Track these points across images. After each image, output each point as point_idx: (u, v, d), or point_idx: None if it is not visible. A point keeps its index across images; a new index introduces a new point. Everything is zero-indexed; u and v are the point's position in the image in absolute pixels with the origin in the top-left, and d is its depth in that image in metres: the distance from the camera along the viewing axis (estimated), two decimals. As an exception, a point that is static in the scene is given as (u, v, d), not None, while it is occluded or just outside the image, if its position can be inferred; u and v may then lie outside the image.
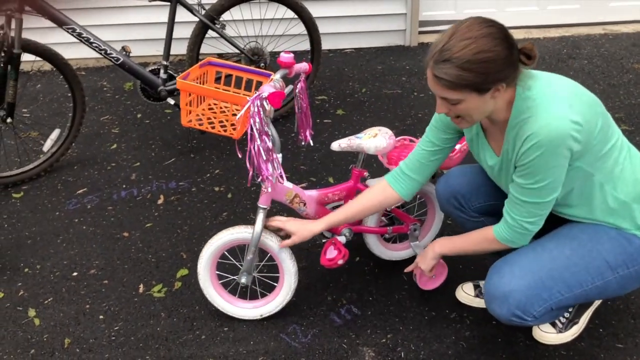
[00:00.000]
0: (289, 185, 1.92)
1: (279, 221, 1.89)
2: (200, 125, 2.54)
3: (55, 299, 2.15)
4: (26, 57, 2.64)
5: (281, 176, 1.74)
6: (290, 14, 3.15)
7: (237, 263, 2.11)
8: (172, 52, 2.99)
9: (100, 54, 2.80)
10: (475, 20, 1.42)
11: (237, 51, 3.09)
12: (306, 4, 3.15)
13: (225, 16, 3.03)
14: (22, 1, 2.54)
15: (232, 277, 2.04)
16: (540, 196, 1.50)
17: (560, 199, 1.60)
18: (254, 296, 2.06)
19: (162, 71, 2.96)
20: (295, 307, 2.06)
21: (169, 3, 2.92)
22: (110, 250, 2.40)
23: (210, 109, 2.62)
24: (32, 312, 2.09)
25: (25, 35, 2.60)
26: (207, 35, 3.02)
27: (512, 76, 1.45)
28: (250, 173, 1.69)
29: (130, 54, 2.89)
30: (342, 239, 1.99)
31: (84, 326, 2.02)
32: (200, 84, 2.59)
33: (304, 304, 2.07)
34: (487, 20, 1.42)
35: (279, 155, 1.79)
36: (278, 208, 2.55)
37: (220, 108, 2.60)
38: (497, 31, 1.40)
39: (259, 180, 1.72)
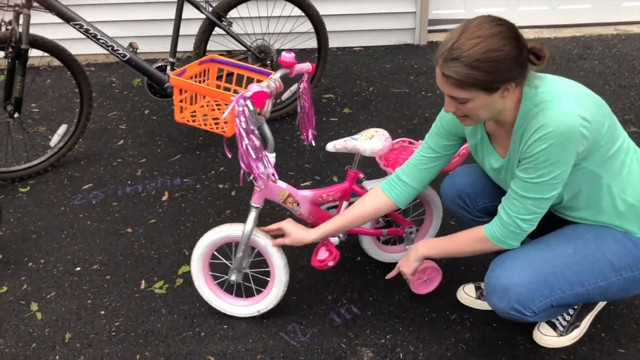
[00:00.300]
0: (282, 185, 1.92)
1: (276, 223, 1.89)
2: (193, 121, 2.54)
3: (57, 294, 2.16)
4: (34, 52, 2.67)
5: (273, 175, 1.73)
6: (297, 11, 3.15)
7: (227, 261, 2.11)
8: (178, 49, 3.00)
9: (107, 50, 2.81)
10: (485, 19, 1.41)
11: (244, 49, 3.09)
12: (315, 3, 3.14)
13: (232, 13, 3.03)
14: (30, -3, 2.57)
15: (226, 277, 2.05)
16: (541, 192, 1.49)
17: (567, 202, 1.58)
18: (252, 294, 2.07)
19: (168, 68, 2.97)
20: (295, 306, 2.06)
21: (176, 0, 2.93)
22: (113, 245, 2.41)
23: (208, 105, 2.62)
24: (34, 306, 2.11)
25: (40, 30, 2.62)
26: (213, 33, 3.02)
27: (521, 76, 1.44)
28: (242, 171, 1.69)
29: (137, 51, 2.91)
30: (335, 240, 1.98)
31: (85, 321, 2.04)
32: (201, 81, 2.60)
33: (304, 303, 2.07)
34: (497, 19, 1.41)
35: (272, 155, 1.79)
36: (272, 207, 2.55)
37: (211, 106, 2.59)
38: (507, 30, 1.39)
39: (251, 178, 1.71)
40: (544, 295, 1.54)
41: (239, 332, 1.96)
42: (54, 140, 2.91)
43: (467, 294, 2.01)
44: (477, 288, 2.01)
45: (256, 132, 1.67)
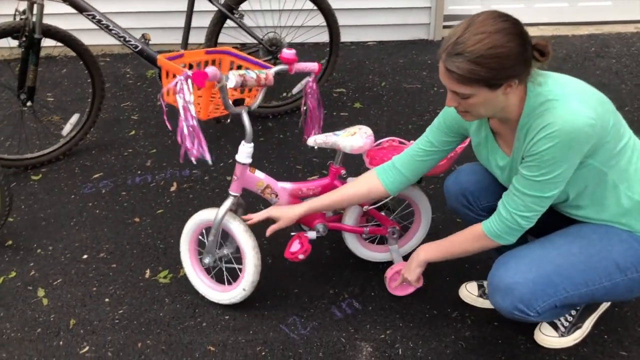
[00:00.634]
0: (260, 175, 1.94)
1: (263, 213, 1.91)
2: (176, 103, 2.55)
3: (64, 280, 2.20)
4: (49, 42, 2.70)
5: (206, 157, 1.74)
6: (309, 5, 3.14)
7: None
8: (190, 40, 3.02)
9: (120, 41, 2.83)
10: (490, 14, 1.40)
11: (255, 42, 3.10)
12: (331, -3, 3.14)
13: (244, 6, 3.03)
14: (44, -13, 2.59)
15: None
16: (542, 190, 1.48)
17: (572, 200, 1.57)
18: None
19: (180, 59, 2.99)
20: (296, 299, 2.07)
21: (188, -8, 2.95)
22: (120, 234, 2.44)
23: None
24: (41, 292, 2.14)
25: (57, 20, 2.64)
26: (225, 25, 3.03)
27: (524, 73, 1.43)
28: (182, 150, 1.73)
29: (150, 42, 2.92)
30: (312, 235, 1.99)
31: (89, 308, 2.07)
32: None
33: (305, 296, 2.08)
34: (502, 15, 1.40)
35: (250, 145, 1.85)
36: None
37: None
38: (512, 26, 1.38)
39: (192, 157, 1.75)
40: (547, 295, 1.53)
41: (240, 323, 1.98)
42: (66, 129, 2.95)
43: (469, 292, 2.00)
44: (480, 286, 2.00)
45: (193, 111, 1.69)
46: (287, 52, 1.87)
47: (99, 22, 2.77)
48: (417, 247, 1.82)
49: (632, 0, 4.43)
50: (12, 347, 1.92)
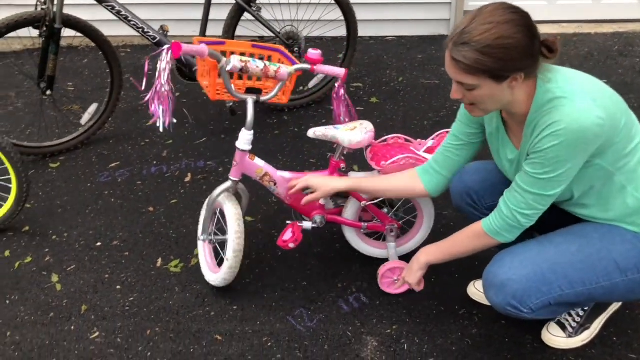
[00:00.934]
0: (260, 163, 1.99)
1: (302, 181, 1.93)
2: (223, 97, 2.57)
3: (77, 267, 2.24)
4: (69, 32, 2.74)
5: (168, 123, 1.82)
6: (327, -1, 3.14)
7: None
8: (207, 33, 3.04)
9: (138, 32, 2.86)
10: (499, 5, 1.39)
11: (273, 35, 3.11)
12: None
13: (262, -1, 3.05)
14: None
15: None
16: (545, 188, 1.46)
17: (577, 198, 1.55)
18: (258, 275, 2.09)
19: (197, 51, 3.01)
20: (304, 291, 2.08)
21: (207, -16, 2.96)
22: (134, 223, 2.47)
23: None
24: (55, 278, 2.19)
25: (79, 11, 2.68)
26: (242, 18, 3.04)
27: (531, 67, 1.41)
28: (151, 109, 1.84)
29: (168, 34, 2.95)
30: (307, 225, 2.01)
31: (101, 294, 2.10)
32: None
33: (313, 289, 2.09)
34: (511, 7, 1.39)
35: (250, 133, 1.93)
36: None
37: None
38: (520, 18, 1.37)
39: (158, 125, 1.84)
40: (541, 292, 1.51)
41: (248, 314, 1.99)
42: (85, 118, 2.99)
43: (477, 290, 1.99)
44: (488, 284, 1.99)
45: (164, 79, 1.80)
46: (313, 53, 1.90)
47: (118, 13, 2.80)
48: (418, 248, 1.82)
49: (658, -2, 4.34)
50: (25, 329, 1.97)
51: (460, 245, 1.67)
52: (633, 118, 1.51)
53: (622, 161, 1.48)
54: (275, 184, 2.01)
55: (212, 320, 1.98)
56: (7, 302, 2.08)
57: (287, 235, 1.97)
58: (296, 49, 3.12)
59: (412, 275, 1.79)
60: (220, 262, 2.10)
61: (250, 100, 1.92)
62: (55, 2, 2.62)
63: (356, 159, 2.84)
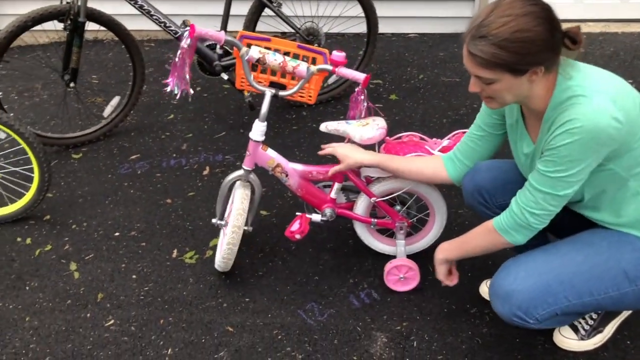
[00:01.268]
0: (272, 153, 2.01)
1: (330, 147, 1.97)
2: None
3: (95, 256, 2.29)
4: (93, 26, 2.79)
5: (186, 92, 1.94)
6: (348, -5, 3.14)
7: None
8: (228, 28, 3.06)
9: (160, 26, 2.90)
10: None
11: (293, 30, 3.12)
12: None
13: (283, -5, 3.06)
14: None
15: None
16: (555, 188, 1.44)
17: (588, 201, 1.53)
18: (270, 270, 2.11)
19: (218, 46, 3.04)
20: (316, 286, 2.09)
21: (228, -20, 2.98)
22: (152, 214, 2.51)
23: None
24: (73, 266, 2.24)
25: (104, 5, 2.72)
26: (263, 14, 3.06)
27: (551, 61, 1.38)
28: (168, 80, 1.94)
29: (189, 28, 2.98)
30: (316, 217, 2.04)
31: (117, 283, 2.15)
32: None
33: (325, 284, 2.10)
34: None
35: (263, 124, 1.94)
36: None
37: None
38: (541, 10, 1.33)
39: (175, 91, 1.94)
40: (547, 303, 1.49)
41: (260, 306, 2.02)
42: (107, 110, 3.05)
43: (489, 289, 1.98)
44: (501, 284, 1.98)
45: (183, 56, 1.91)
46: (337, 55, 1.90)
47: (140, 7, 2.84)
48: (430, 248, 1.82)
49: (690, -3, 4.24)
50: (43, 315, 2.02)
51: (472, 241, 1.66)
52: None
53: (638, 168, 1.45)
54: (287, 175, 2.03)
55: (224, 311, 2.00)
56: (27, 288, 2.14)
57: (295, 226, 2.00)
58: (316, 45, 3.13)
59: (436, 272, 1.79)
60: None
61: (268, 93, 1.94)
62: (80, -3, 2.67)
63: (373, 156, 2.84)
